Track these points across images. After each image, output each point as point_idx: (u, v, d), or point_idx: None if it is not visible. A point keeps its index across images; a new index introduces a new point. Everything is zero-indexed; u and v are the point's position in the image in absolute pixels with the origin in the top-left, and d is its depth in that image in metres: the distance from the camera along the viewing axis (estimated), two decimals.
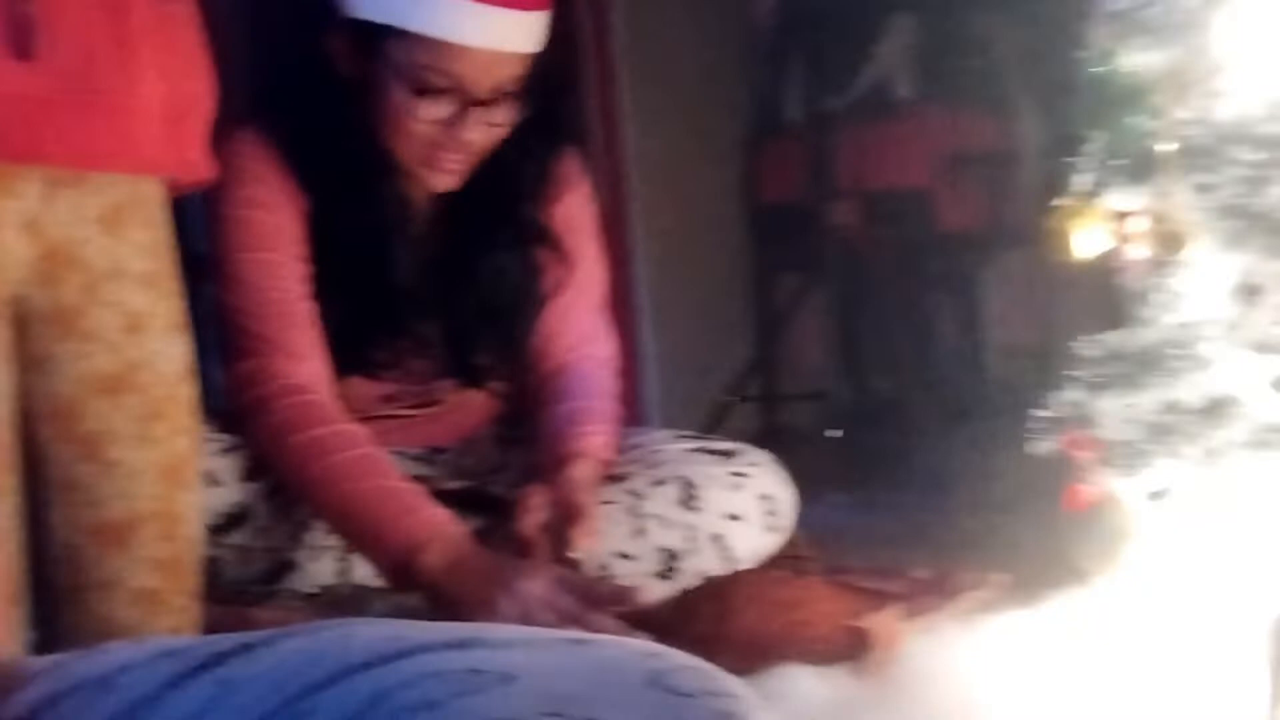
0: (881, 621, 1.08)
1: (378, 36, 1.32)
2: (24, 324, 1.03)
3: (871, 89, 3.12)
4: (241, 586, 1.35)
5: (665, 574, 1.43)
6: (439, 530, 1.20)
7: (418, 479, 1.54)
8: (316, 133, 1.38)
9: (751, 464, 1.48)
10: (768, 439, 3.09)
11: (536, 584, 1.11)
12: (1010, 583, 1.47)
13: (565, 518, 1.30)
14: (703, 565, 1.43)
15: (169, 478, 1.10)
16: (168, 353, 1.10)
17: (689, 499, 1.44)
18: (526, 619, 1.09)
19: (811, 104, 3.06)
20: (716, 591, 1.09)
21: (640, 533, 1.42)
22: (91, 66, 0.97)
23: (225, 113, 1.14)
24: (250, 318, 1.35)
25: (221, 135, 1.15)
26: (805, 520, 2.19)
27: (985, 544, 1.74)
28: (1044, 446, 1.09)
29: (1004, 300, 3.08)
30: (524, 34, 1.34)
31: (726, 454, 1.49)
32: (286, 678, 0.59)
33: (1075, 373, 1.11)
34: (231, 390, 1.34)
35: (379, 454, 1.29)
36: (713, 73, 3.27)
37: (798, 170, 3.01)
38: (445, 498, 1.49)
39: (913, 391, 3.03)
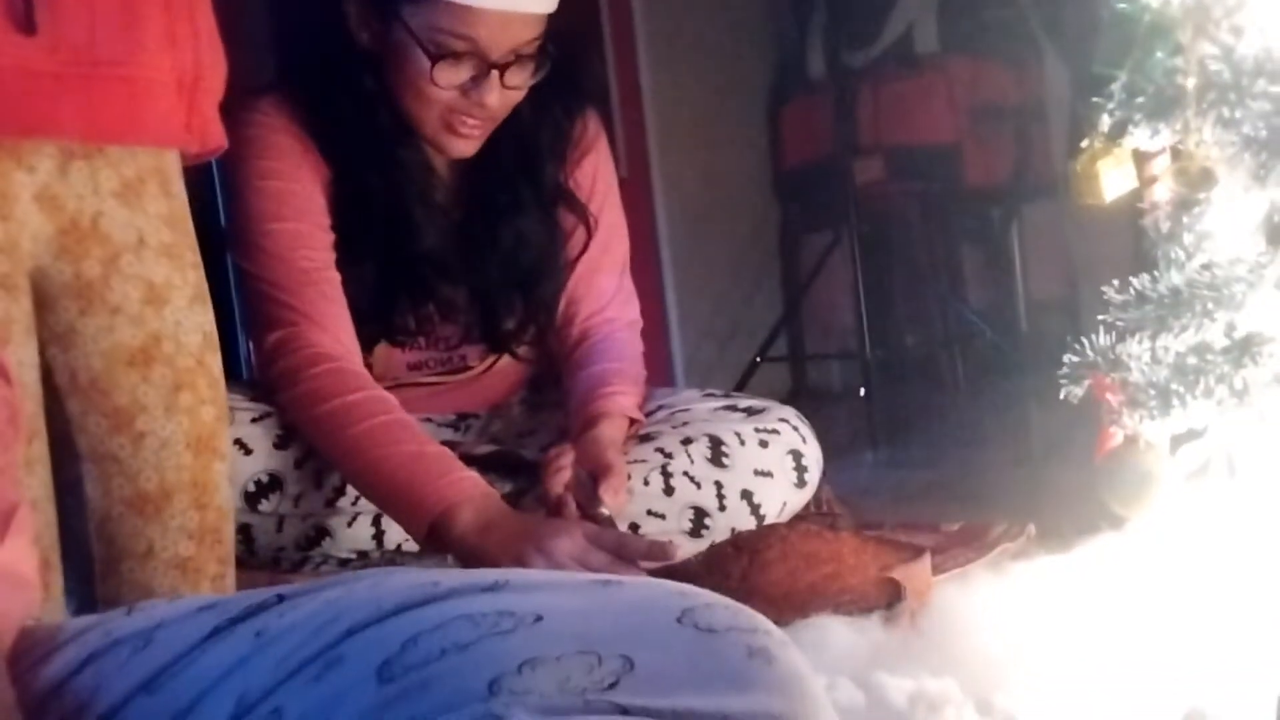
0: (912, 572, 1.08)
1: (394, 2, 1.32)
2: (47, 298, 1.04)
3: (894, 44, 3.09)
4: (276, 553, 1.36)
5: (696, 531, 1.44)
6: (470, 493, 1.20)
7: (448, 445, 1.56)
8: (337, 102, 1.38)
9: (780, 420, 1.48)
10: (796, 399, 3.10)
11: (568, 542, 1.12)
12: (1042, 532, 1.46)
13: (593, 476, 1.31)
14: (733, 522, 1.44)
15: (198, 447, 1.11)
16: (190, 324, 1.11)
17: (718, 456, 1.44)
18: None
19: (834, 61, 3.03)
20: (747, 546, 1.09)
21: (670, 491, 1.43)
22: (96, 39, 0.97)
23: (245, 83, 1.14)
24: (277, 288, 1.36)
25: (241, 106, 1.16)
26: (835, 478, 2.20)
27: (1017, 495, 1.74)
28: (1074, 392, 1.08)
29: (1033, 252, 3.05)
30: None
31: (754, 411, 1.50)
32: (322, 625, 0.60)
33: (1104, 318, 1.10)
34: (261, 361, 1.36)
35: (409, 419, 1.30)
36: (734, 31, 3.25)
37: (822, 128, 2.98)
38: (475, 462, 1.52)
39: (943, 347, 3.02)
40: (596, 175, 1.56)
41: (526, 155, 1.47)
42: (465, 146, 1.40)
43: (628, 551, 1.10)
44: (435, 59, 1.31)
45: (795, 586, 1.03)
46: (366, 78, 1.37)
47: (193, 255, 1.13)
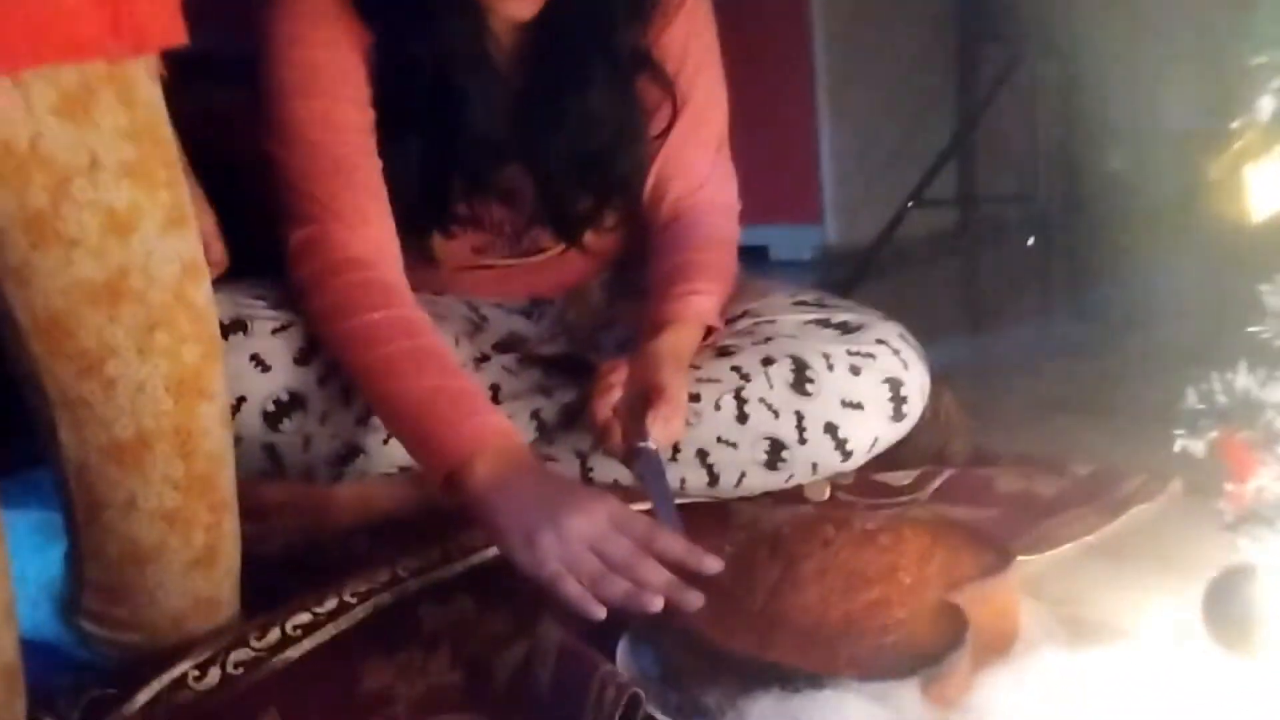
0: (988, 593, 0.89)
1: None
2: None
3: None
4: (307, 470, 1.26)
5: (771, 464, 1.27)
6: (490, 442, 1.05)
7: (514, 337, 1.42)
8: None
9: (878, 341, 1.27)
10: (955, 248, 2.80)
11: (586, 521, 0.96)
12: (1193, 488, 1.23)
13: (646, 398, 1.14)
14: (814, 457, 1.26)
15: (179, 391, 0.99)
16: (164, 253, 0.97)
17: (801, 382, 1.25)
18: (569, 561, 0.95)
19: None
20: (783, 550, 0.91)
21: (744, 418, 1.25)
22: None
23: None
24: (305, 177, 1.20)
25: None
26: (988, 350, 1.97)
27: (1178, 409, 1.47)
28: (1194, 447, 0.81)
29: None
30: None
31: (850, 328, 1.28)
32: None
33: (1256, 330, 0.80)
34: (288, 263, 1.22)
35: (437, 346, 1.15)
36: None
37: None
38: (540, 363, 1.37)
39: (1135, 189, 2.65)
40: (689, 36, 1.33)
41: (598, 15, 1.25)
42: (521, 6, 1.19)
43: (658, 549, 0.94)
44: None
45: (828, 617, 0.85)
46: None
47: (166, 172, 0.98)
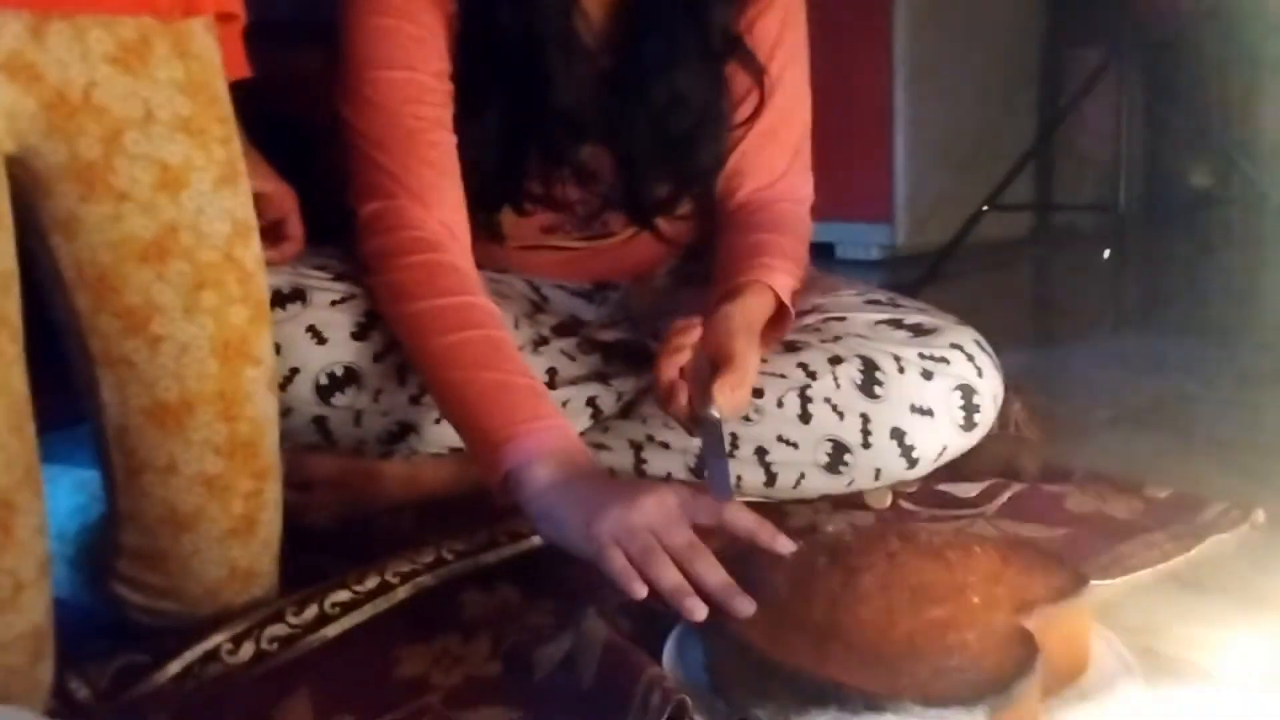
0: (1059, 617, 0.84)
1: None
2: (43, 182, 0.89)
3: None
4: (358, 445, 1.23)
5: (833, 467, 1.22)
6: (550, 445, 1.01)
7: (574, 320, 1.38)
8: None
9: (952, 345, 1.22)
10: (1030, 255, 2.72)
11: (656, 505, 0.92)
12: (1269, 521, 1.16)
13: (714, 364, 1.09)
14: (877, 462, 1.21)
15: (225, 354, 0.96)
16: (215, 210, 0.94)
17: (870, 384, 1.20)
18: (622, 535, 0.90)
19: None
20: (843, 560, 0.86)
21: (807, 418, 1.20)
22: None
23: None
24: (378, 148, 1.16)
25: None
26: (1062, 363, 1.90)
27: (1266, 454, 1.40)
28: None
29: None
30: None
31: (923, 330, 1.23)
32: None
33: None
34: (357, 234, 1.18)
35: (501, 338, 1.10)
36: None
37: None
38: (599, 348, 1.33)
39: (1222, 204, 2.56)
40: (784, 26, 1.29)
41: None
42: None
43: (728, 520, 0.90)
44: None
45: (890, 634, 0.80)
46: None
47: (221, 128, 0.95)
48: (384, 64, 1.17)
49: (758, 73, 1.28)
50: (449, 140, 1.19)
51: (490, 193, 1.26)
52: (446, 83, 1.20)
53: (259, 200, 1.15)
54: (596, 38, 1.24)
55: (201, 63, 0.93)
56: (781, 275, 1.22)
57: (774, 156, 1.31)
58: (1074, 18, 2.74)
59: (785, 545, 0.89)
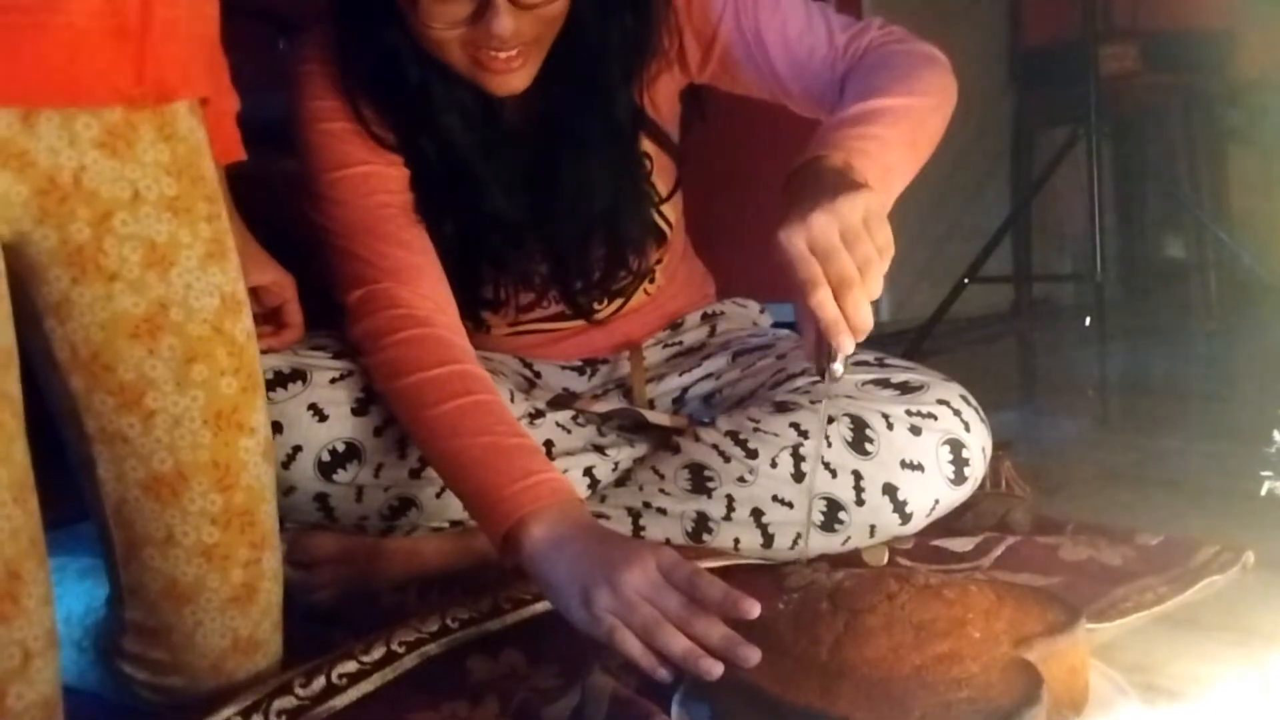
0: (1058, 650, 0.85)
1: None
2: (36, 267, 0.92)
3: None
4: (359, 521, 1.24)
5: (829, 525, 1.24)
6: (546, 500, 1.03)
7: (567, 393, 1.40)
8: (362, 57, 1.18)
9: (939, 401, 1.25)
10: (1017, 322, 2.77)
11: (640, 575, 0.93)
12: (1265, 561, 1.18)
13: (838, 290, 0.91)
14: (872, 519, 1.23)
15: (218, 424, 0.98)
16: (203, 286, 0.97)
17: (860, 441, 1.22)
18: (623, 614, 0.92)
19: None
20: (845, 604, 0.88)
21: (800, 476, 1.23)
22: None
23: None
24: (351, 240, 1.19)
25: (292, 42, 1.01)
26: (1048, 429, 1.93)
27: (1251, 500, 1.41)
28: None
29: None
30: None
31: (910, 388, 1.26)
32: None
33: None
34: (347, 322, 1.21)
35: (492, 401, 1.13)
36: None
37: (1069, 4, 2.59)
38: (594, 420, 1.35)
39: (1196, 271, 2.62)
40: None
41: (591, 75, 1.20)
42: (510, 81, 1.15)
43: (700, 594, 0.92)
44: None
45: (897, 669, 0.81)
46: (389, 29, 1.14)
47: (207, 206, 0.99)
48: (339, 165, 1.20)
49: (669, 145, 1.29)
50: (417, 221, 1.22)
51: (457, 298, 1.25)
52: (404, 168, 1.22)
53: (260, 290, 1.19)
54: (516, 136, 1.24)
55: (187, 144, 0.97)
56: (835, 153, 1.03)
57: (814, 53, 1.21)
58: (1042, 99, 2.83)
59: (751, 610, 0.90)
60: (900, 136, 1.08)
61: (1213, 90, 2.65)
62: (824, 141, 1.04)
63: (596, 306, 1.36)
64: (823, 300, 0.91)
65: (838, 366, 0.96)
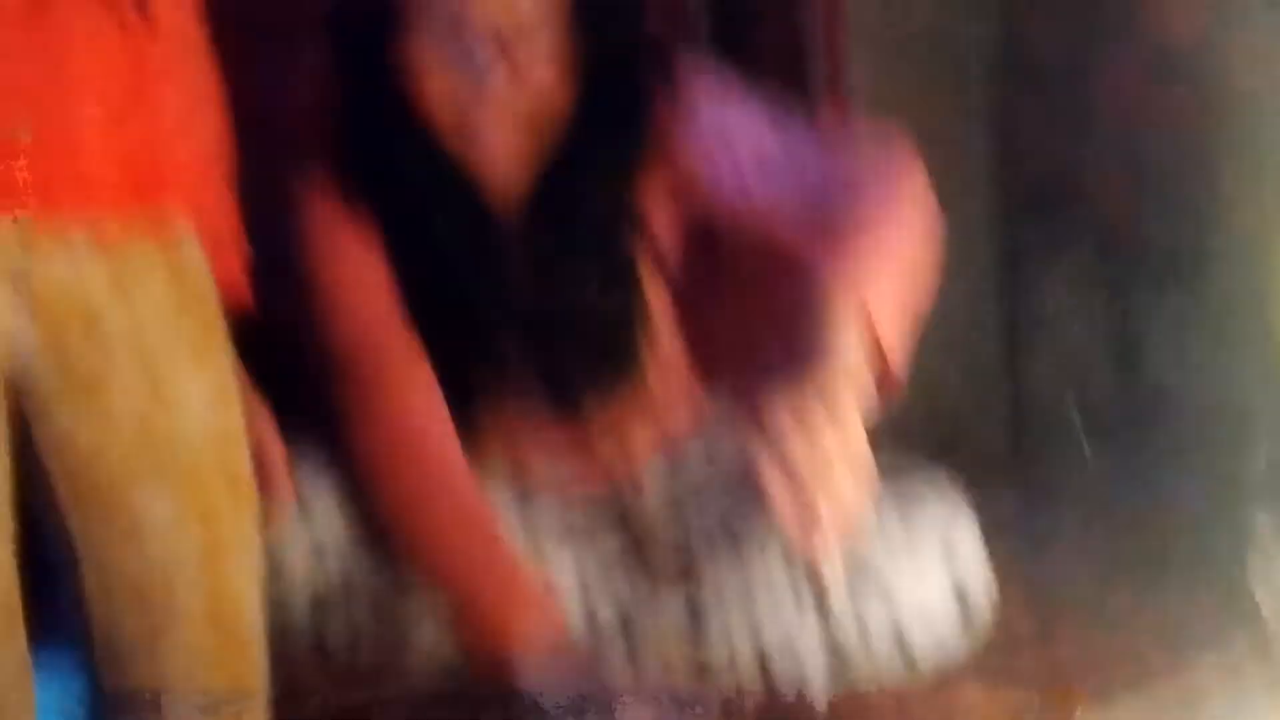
0: None
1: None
2: (36, 401, 0.93)
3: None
4: (353, 665, 1.22)
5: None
6: (534, 617, 1.03)
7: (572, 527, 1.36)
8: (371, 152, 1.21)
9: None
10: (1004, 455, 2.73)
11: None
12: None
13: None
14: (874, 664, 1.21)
15: (213, 563, 0.99)
16: (206, 425, 0.98)
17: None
18: None
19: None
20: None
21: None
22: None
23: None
24: (348, 341, 1.20)
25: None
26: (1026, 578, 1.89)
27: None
28: None
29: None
30: None
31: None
32: None
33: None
34: (341, 429, 1.21)
35: (484, 511, 1.15)
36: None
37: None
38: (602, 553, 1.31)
39: (1200, 395, 2.59)
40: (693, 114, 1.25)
41: (582, 183, 1.22)
42: (493, 155, 1.19)
43: None
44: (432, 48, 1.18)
45: None
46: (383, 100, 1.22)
47: (210, 343, 1.01)
48: (335, 269, 1.21)
49: (664, 267, 1.29)
50: (408, 329, 1.21)
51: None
52: (393, 289, 1.22)
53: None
54: (512, 248, 1.24)
55: (195, 284, 0.99)
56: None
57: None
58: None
59: None
60: None
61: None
62: None
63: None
64: None
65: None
